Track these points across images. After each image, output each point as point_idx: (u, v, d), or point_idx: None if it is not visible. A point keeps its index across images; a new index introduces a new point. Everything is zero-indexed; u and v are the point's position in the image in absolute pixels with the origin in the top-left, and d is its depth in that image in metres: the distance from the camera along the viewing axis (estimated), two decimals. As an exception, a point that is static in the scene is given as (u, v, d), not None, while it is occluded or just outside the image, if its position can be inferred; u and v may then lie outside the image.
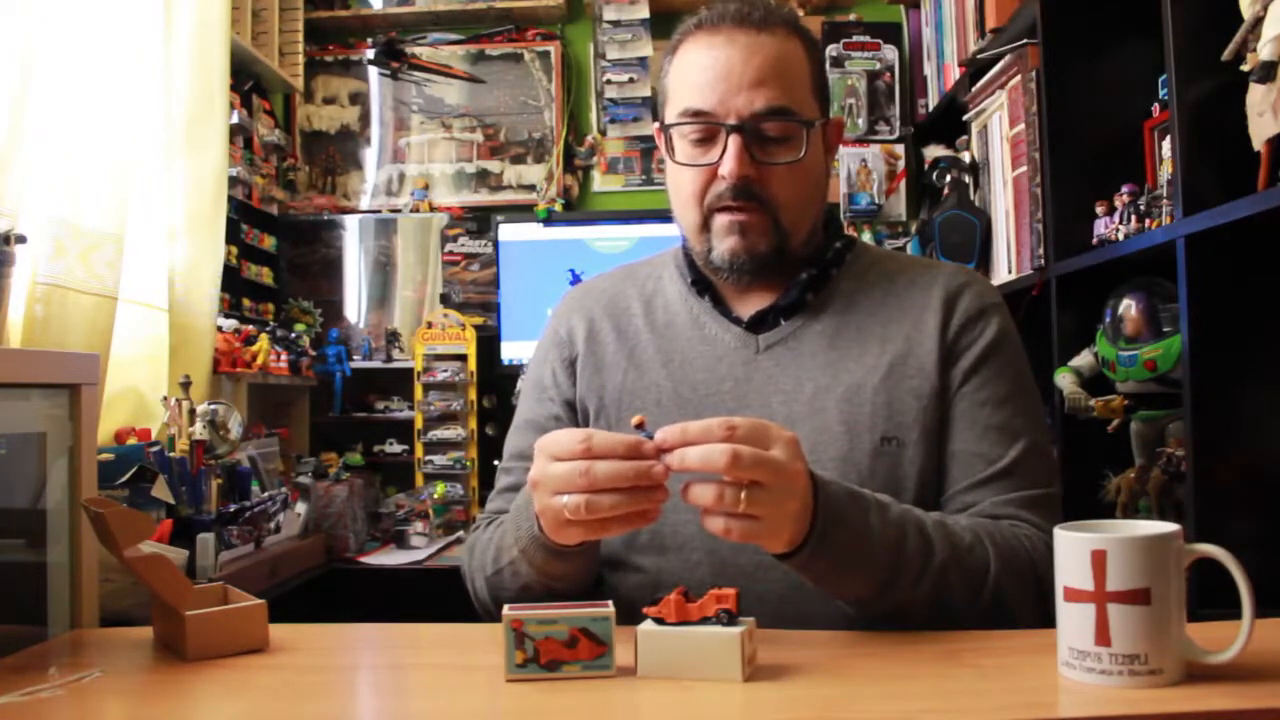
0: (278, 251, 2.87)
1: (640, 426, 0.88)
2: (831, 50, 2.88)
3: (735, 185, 1.08)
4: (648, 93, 2.89)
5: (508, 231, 2.82)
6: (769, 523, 0.86)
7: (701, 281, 1.19)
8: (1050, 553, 0.82)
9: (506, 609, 0.83)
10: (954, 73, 2.46)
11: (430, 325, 2.81)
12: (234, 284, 2.57)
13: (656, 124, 1.22)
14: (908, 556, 0.94)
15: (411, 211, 2.98)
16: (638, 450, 0.86)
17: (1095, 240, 1.70)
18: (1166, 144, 1.54)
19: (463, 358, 2.78)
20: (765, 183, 1.09)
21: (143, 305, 2.11)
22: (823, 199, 1.18)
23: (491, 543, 1.11)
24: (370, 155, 3.03)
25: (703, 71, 1.10)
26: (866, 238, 2.83)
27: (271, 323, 2.75)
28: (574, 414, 1.20)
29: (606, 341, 1.20)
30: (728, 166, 1.08)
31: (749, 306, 1.17)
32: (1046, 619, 0.85)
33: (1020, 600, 0.98)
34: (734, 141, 1.07)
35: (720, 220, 1.11)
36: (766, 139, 1.09)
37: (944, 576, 0.95)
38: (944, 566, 0.95)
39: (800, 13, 2.87)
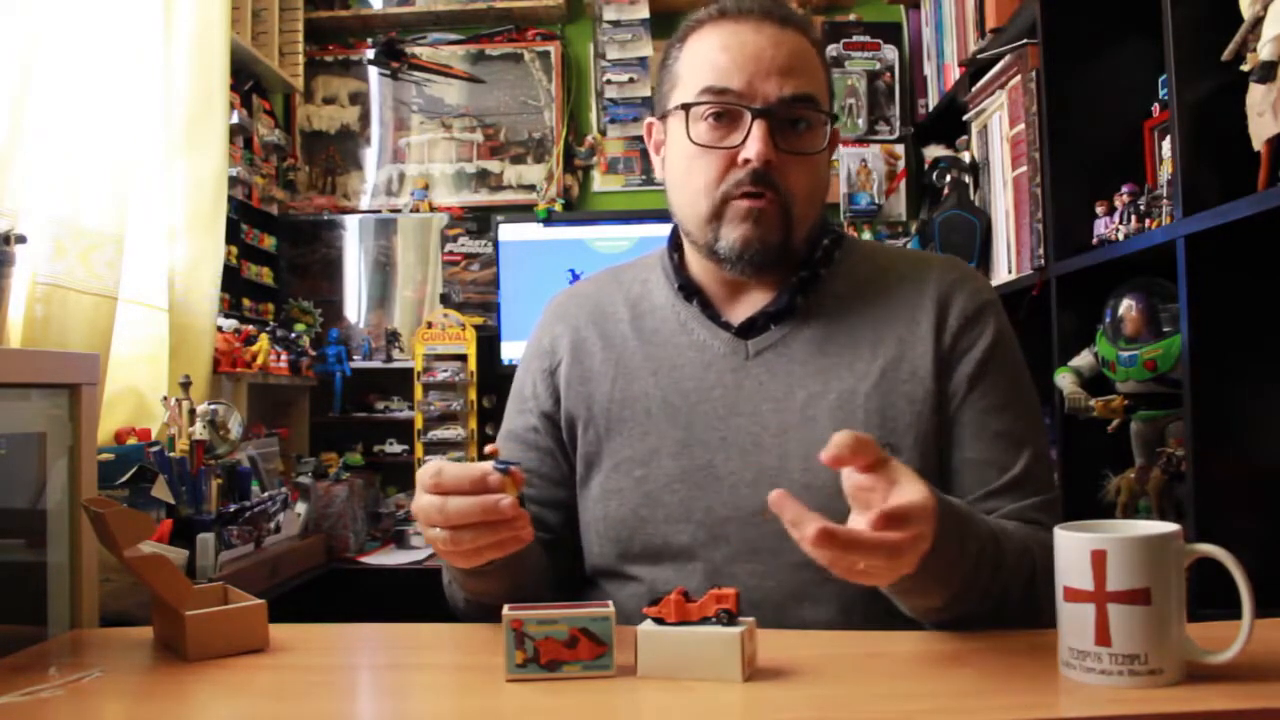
0: (278, 251, 2.87)
1: (493, 456, 0.88)
2: (831, 50, 2.87)
3: (757, 170, 1.06)
4: (648, 93, 2.88)
5: (508, 231, 2.82)
6: (869, 579, 0.83)
7: (689, 286, 1.16)
8: None
9: (506, 609, 0.83)
10: (954, 73, 2.46)
11: (430, 325, 2.81)
12: (234, 284, 2.57)
13: (651, 119, 1.19)
14: (981, 575, 0.92)
15: (411, 211, 2.98)
16: (483, 484, 0.85)
17: (1095, 240, 1.70)
18: (1166, 144, 1.54)
19: (463, 358, 2.78)
20: (784, 171, 1.07)
21: (143, 305, 2.11)
22: (824, 199, 1.16)
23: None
24: (370, 155, 3.03)
25: (728, 53, 1.07)
26: (866, 238, 2.83)
27: (271, 323, 2.75)
28: (552, 426, 1.17)
29: (593, 351, 1.17)
30: (754, 149, 1.05)
31: (738, 312, 1.14)
32: None
33: (1049, 602, 0.98)
34: (760, 125, 1.05)
35: (736, 207, 1.08)
36: (788, 127, 1.08)
37: (1005, 589, 0.94)
38: (1006, 580, 0.94)
39: (800, 12, 2.88)
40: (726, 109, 1.07)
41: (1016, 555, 0.96)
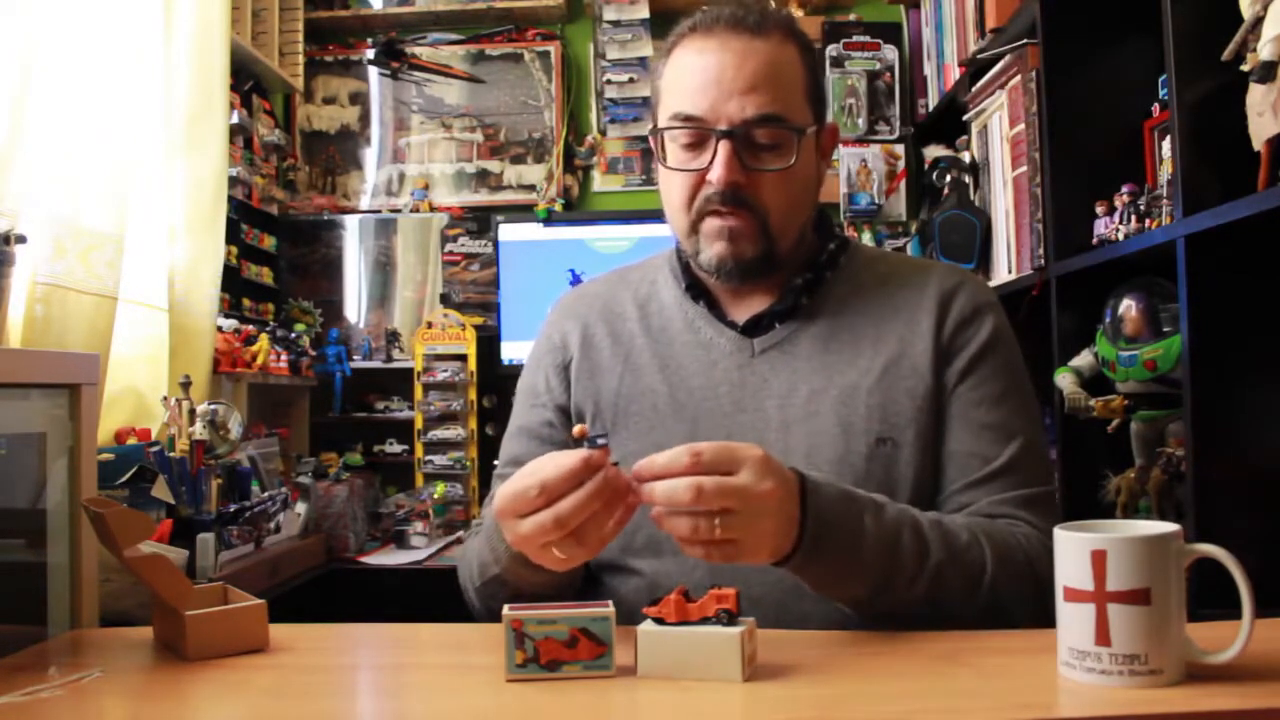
0: (278, 251, 2.87)
1: (583, 437, 0.88)
2: (831, 50, 2.88)
3: (724, 191, 1.07)
4: (648, 93, 2.88)
5: (508, 231, 2.82)
6: (746, 544, 0.86)
7: (696, 286, 1.19)
8: (1048, 551, 0.82)
9: (506, 609, 0.83)
10: (954, 73, 2.46)
11: (430, 325, 2.81)
12: (234, 284, 2.57)
13: (651, 128, 1.22)
14: (903, 558, 0.94)
15: (411, 211, 2.98)
16: (589, 467, 0.85)
17: (1095, 240, 1.70)
18: (1166, 144, 1.54)
19: (463, 358, 2.78)
20: (755, 189, 1.08)
21: (143, 305, 2.11)
22: (812, 204, 1.17)
23: (476, 556, 1.11)
24: (370, 155, 3.03)
25: (694, 76, 1.08)
26: (866, 238, 2.83)
27: (271, 323, 2.75)
28: (567, 419, 1.19)
29: (602, 346, 1.20)
30: (717, 172, 1.07)
31: (744, 311, 1.17)
32: (1045, 618, 0.85)
33: (1017, 599, 0.98)
34: (724, 147, 1.06)
35: (709, 224, 1.10)
36: (756, 145, 1.08)
37: (940, 577, 0.95)
38: (940, 567, 0.95)
39: (800, 13, 2.88)
40: (694, 134, 1.09)
41: (955, 548, 0.96)
